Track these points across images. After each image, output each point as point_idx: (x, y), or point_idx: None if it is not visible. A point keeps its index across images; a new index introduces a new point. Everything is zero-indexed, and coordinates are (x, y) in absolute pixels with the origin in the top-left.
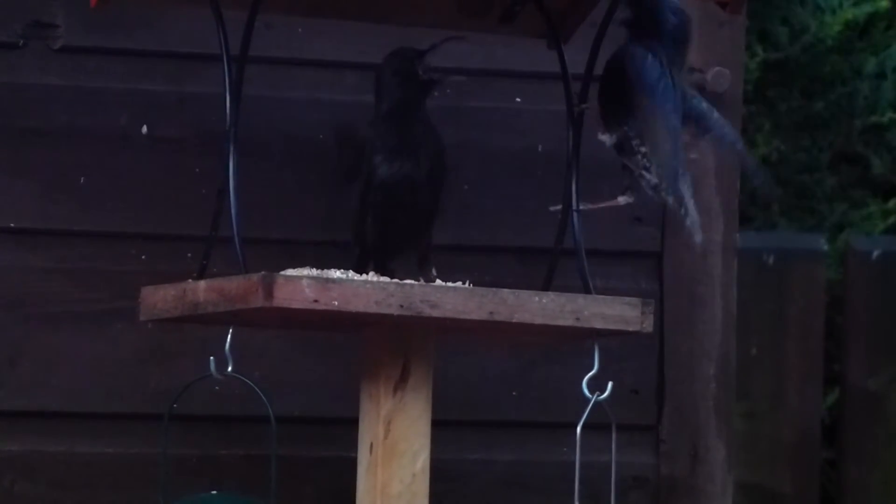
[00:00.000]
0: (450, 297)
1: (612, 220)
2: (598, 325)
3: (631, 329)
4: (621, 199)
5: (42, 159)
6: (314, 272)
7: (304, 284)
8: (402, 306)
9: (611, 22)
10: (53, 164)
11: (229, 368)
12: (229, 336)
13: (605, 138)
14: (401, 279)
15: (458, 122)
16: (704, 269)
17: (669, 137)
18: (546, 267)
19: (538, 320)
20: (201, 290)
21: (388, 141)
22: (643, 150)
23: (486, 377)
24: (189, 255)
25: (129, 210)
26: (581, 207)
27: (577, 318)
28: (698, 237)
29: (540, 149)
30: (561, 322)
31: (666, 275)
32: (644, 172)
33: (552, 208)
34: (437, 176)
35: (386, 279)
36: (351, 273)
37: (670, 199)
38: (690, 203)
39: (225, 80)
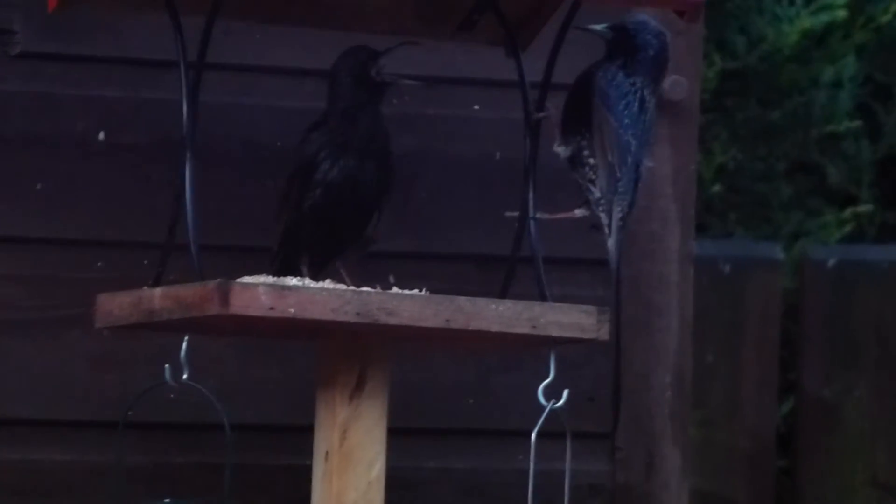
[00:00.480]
0: (406, 305)
1: (568, 227)
2: (555, 332)
3: (587, 337)
4: (577, 212)
5: None
6: (270, 279)
7: (261, 292)
8: (358, 314)
9: (569, 30)
10: (10, 170)
11: (185, 376)
12: (185, 343)
13: (560, 150)
14: (333, 281)
15: (416, 130)
16: (661, 277)
17: (618, 153)
18: (503, 274)
19: (495, 328)
20: (157, 297)
21: (335, 139)
22: (591, 161)
23: (442, 385)
24: (145, 261)
25: (85, 217)
26: (538, 215)
27: (534, 326)
28: (613, 263)
29: (498, 157)
30: (517, 330)
31: (623, 283)
32: (590, 185)
33: (508, 214)
34: (382, 179)
35: (342, 286)
36: (307, 281)
37: (603, 216)
38: (615, 226)
39: (182, 87)
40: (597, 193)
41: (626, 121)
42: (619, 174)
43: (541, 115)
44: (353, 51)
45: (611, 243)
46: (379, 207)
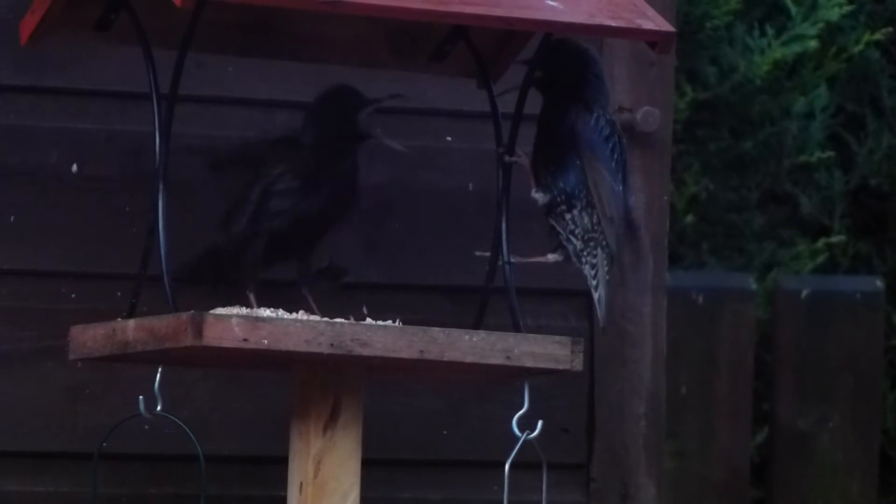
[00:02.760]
0: (380, 336)
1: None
2: (529, 363)
3: (561, 367)
4: (551, 257)
5: None
6: (244, 311)
7: (234, 323)
8: (332, 345)
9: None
10: None
11: (158, 407)
12: (158, 375)
13: (539, 196)
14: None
15: (389, 161)
16: (634, 308)
17: (608, 202)
18: (477, 305)
19: (468, 359)
20: (131, 328)
21: (299, 171)
22: (569, 216)
23: (416, 415)
24: (119, 293)
25: (59, 248)
26: (512, 260)
27: (508, 357)
28: (601, 314)
29: (471, 188)
30: (491, 360)
31: (596, 313)
32: (570, 237)
33: (478, 254)
34: (339, 211)
35: (316, 318)
36: (281, 312)
37: (587, 268)
38: (602, 279)
39: (155, 119)
40: (578, 245)
41: (614, 164)
42: (616, 229)
43: (512, 159)
44: (343, 92)
45: (597, 297)
46: (327, 232)
